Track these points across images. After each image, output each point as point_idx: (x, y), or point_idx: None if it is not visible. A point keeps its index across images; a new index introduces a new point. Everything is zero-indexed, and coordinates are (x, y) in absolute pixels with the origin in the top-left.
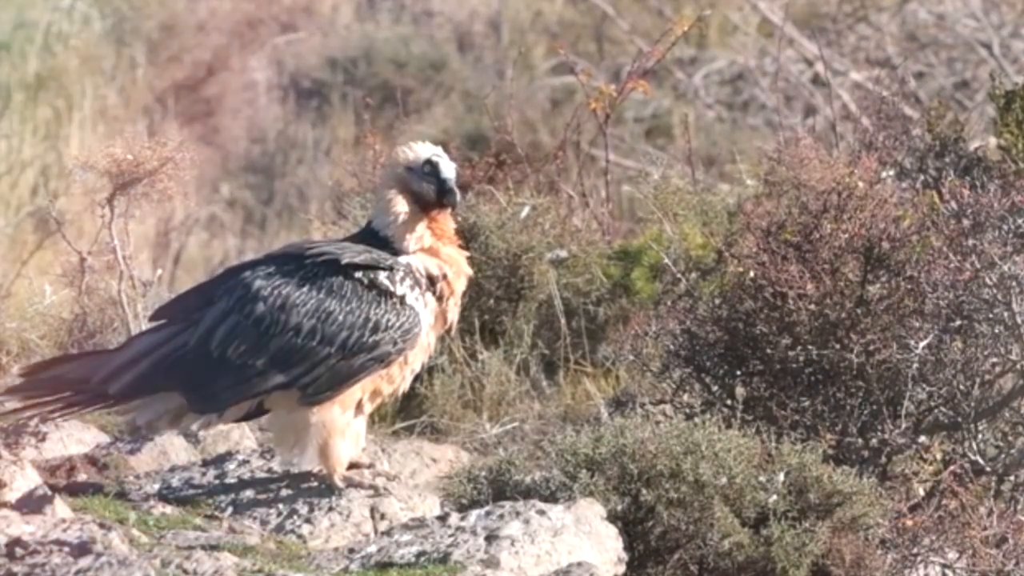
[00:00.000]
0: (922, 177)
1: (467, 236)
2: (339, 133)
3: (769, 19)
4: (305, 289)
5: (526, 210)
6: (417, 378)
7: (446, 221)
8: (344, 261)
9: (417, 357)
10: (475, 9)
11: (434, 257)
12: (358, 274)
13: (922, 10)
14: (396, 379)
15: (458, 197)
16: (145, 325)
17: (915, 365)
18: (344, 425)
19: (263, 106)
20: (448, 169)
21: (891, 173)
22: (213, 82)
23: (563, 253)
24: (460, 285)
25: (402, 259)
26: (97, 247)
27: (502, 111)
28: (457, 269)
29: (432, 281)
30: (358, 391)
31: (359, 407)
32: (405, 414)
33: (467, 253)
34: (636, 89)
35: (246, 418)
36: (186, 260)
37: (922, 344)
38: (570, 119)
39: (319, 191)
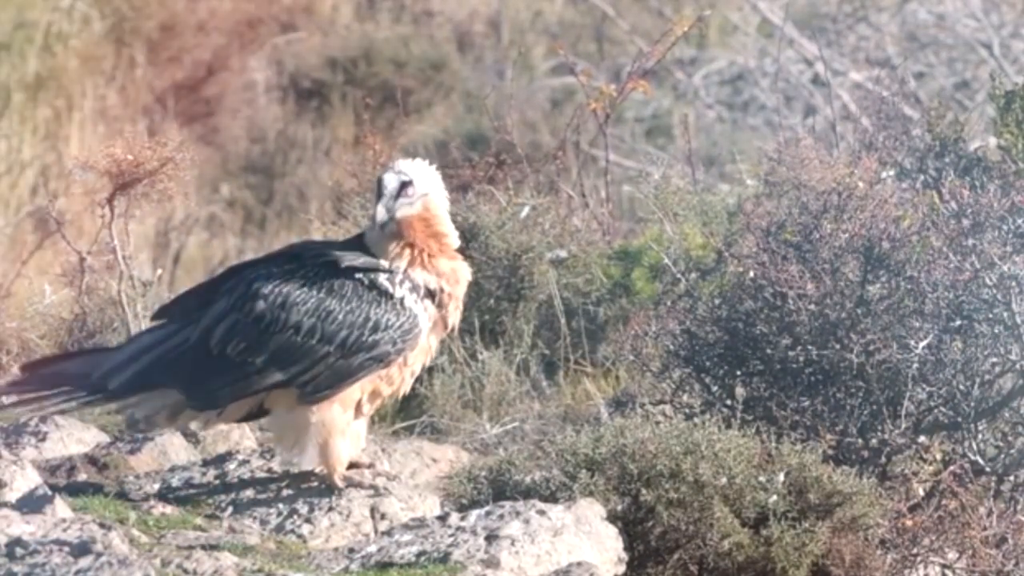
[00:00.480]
0: (922, 177)
1: (467, 236)
2: (339, 133)
3: (769, 19)
4: (306, 288)
5: (526, 210)
6: (417, 378)
7: (432, 236)
8: (344, 264)
9: (417, 359)
10: (475, 9)
11: (430, 273)
12: (358, 275)
13: (922, 10)
14: (395, 380)
15: (377, 220)
16: (145, 325)
17: (915, 365)
18: (344, 424)
19: (263, 106)
20: (389, 184)
21: (891, 173)
22: (213, 82)
23: (563, 253)
24: (460, 291)
25: (398, 264)
26: (97, 247)
27: (502, 111)
28: (454, 279)
29: (431, 294)
30: (357, 391)
31: (358, 408)
32: (405, 414)
33: (461, 259)
34: (636, 89)
35: (248, 418)
36: (186, 260)
37: (922, 344)
38: (570, 119)
39: (319, 191)
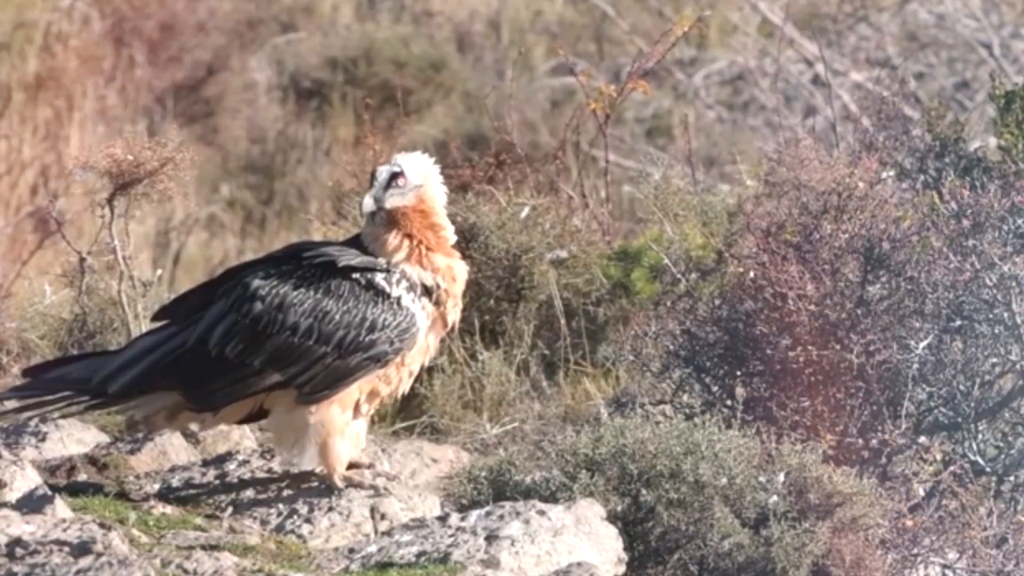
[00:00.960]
0: (922, 177)
1: (467, 236)
2: (339, 133)
3: (769, 19)
4: (302, 289)
5: (526, 210)
6: (417, 379)
7: (430, 228)
8: (341, 264)
9: (415, 359)
10: (475, 9)
11: (426, 269)
12: (355, 275)
13: (922, 10)
14: (393, 380)
15: (364, 209)
16: (145, 325)
17: (915, 365)
18: (343, 425)
19: (263, 106)
20: (380, 174)
21: (891, 174)
22: (213, 82)
23: (563, 253)
24: (457, 288)
25: (394, 262)
26: (97, 247)
27: (502, 111)
28: (451, 276)
29: (428, 291)
30: (356, 391)
31: (357, 408)
32: (405, 414)
33: (458, 255)
34: (636, 89)
35: (248, 420)
36: (186, 260)
37: (922, 344)
38: (570, 119)
39: (319, 191)
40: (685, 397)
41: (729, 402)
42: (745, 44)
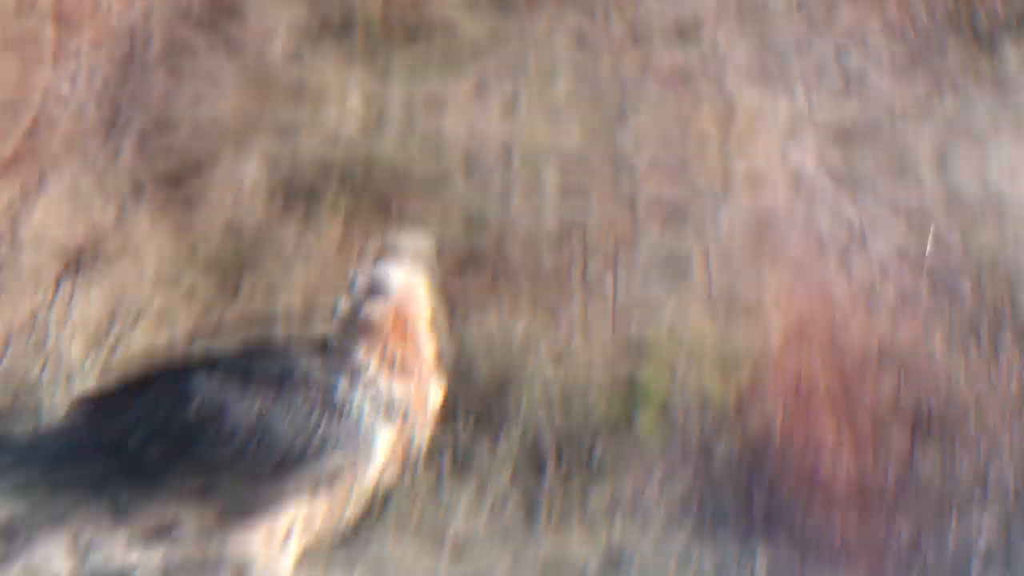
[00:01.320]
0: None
1: (450, 353)
2: (323, 237)
3: (799, 168)
4: (248, 394)
5: (518, 328)
6: (368, 509)
7: (406, 340)
8: (297, 370)
9: (367, 483)
10: (487, 132)
11: (396, 384)
12: (311, 383)
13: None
14: (339, 506)
15: (336, 314)
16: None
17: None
18: (269, 558)
19: (247, 202)
20: (359, 280)
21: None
22: (198, 176)
23: (555, 377)
24: (428, 408)
25: (360, 373)
26: (29, 324)
27: (505, 231)
28: (422, 394)
29: (394, 410)
30: (290, 516)
31: (290, 537)
32: (353, 546)
33: (435, 373)
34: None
35: (156, 535)
36: (127, 351)
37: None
38: (578, 244)
39: (288, 293)
40: (695, 556)
41: (749, 566)
42: (775, 195)
